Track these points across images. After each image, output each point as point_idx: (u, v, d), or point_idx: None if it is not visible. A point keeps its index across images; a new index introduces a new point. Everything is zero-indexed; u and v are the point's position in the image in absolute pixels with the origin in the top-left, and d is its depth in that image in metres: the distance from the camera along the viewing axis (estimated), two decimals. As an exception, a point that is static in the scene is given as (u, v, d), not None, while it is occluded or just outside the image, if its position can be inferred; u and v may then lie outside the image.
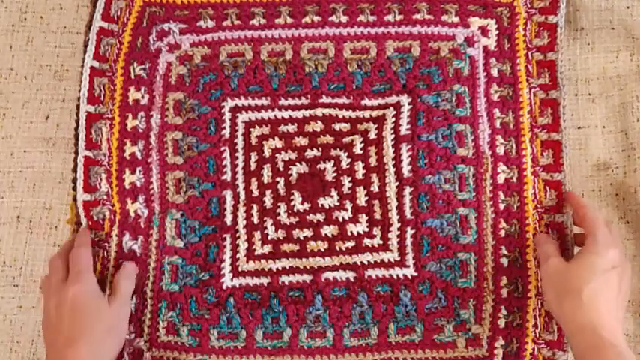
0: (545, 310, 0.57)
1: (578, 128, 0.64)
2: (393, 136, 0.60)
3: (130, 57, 0.62)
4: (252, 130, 0.62)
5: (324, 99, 0.61)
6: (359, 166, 0.61)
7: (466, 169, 0.60)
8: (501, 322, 0.58)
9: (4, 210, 0.64)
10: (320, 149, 0.61)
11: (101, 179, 0.61)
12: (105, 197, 0.60)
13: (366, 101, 0.61)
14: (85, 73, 0.62)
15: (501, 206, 0.59)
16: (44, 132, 0.66)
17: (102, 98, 0.62)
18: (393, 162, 0.60)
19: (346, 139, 0.61)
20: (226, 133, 0.61)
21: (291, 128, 0.61)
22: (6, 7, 0.69)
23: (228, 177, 0.61)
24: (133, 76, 0.62)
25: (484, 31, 0.62)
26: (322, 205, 0.60)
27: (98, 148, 0.61)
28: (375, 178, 0.60)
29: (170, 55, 0.62)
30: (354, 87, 0.61)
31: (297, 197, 0.61)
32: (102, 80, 0.62)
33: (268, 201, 0.61)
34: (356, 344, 0.58)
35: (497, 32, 0.62)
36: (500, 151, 0.60)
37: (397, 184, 0.60)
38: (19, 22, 0.68)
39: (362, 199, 0.60)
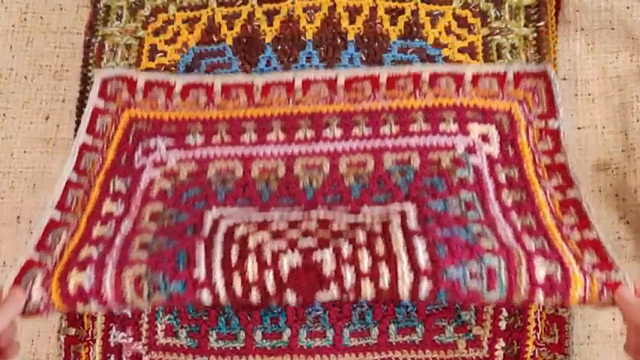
0: (546, 314, 0.57)
1: (578, 128, 0.64)
2: (401, 231, 0.50)
3: (112, 172, 0.58)
4: (236, 229, 0.52)
5: (319, 210, 0.55)
6: (363, 255, 0.48)
7: (495, 260, 0.48)
8: (502, 324, 0.57)
9: (4, 210, 0.64)
10: (316, 239, 0.50)
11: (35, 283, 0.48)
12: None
13: (365, 209, 0.55)
14: (59, 185, 0.56)
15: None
16: (44, 132, 0.66)
17: (72, 208, 0.56)
18: (405, 249, 0.48)
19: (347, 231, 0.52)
20: (205, 232, 0.52)
21: (282, 225, 0.52)
22: (6, 7, 0.69)
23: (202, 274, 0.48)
24: (111, 191, 0.57)
25: (485, 138, 0.58)
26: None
27: (49, 251, 0.52)
28: (384, 268, 0.47)
29: (155, 170, 0.58)
30: (352, 198, 0.56)
31: (289, 295, 0.48)
32: (77, 193, 0.57)
33: (255, 298, 0.48)
34: (356, 344, 0.58)
35: (498, 139, 0.58)
36: (532, 247, 0.50)
37: (412, 275, 0.47)
38: (19, 23, 0.68)
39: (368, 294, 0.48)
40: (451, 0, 0.65)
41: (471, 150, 0.57)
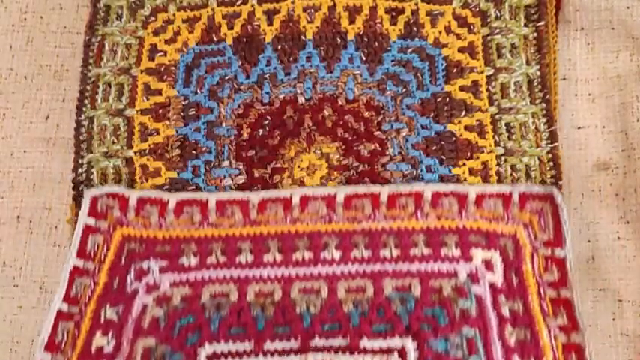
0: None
1: (578, 128, 0.64)
2: None
3: (104, 299, 0.56)
4: None
5: (317, 340, 0.54)
6: None
7: None
8: None
9: (4, 210, 0.64)
10: None
11: None
12: None
13: (365, 342, 0.54)
14: (50, 317, 0.56)
15: None
16: (44, 132, 0.66)
17: (62, 346, 0.55)
18: None
19: None
20: None
21: None
22: (6, 7, 0.69)
23: None
24: (102, 321, 0.55)
25: (488, 264, 0.57)
26: None
27: None
28: None
29: (147, 296, 0.56)
30: (351, 326, 0.55)
31: None
32: (67, 325, 0.56)
33: None
34: None
35: (502, 266, 0.56)
36: None
37: None
38: (19, 22, 0.68)
39: None
40: (451, 0, 0.65)
41: (473, 278, 0.56)
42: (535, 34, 0.63)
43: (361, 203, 0.58)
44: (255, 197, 0.59)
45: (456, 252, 0.56)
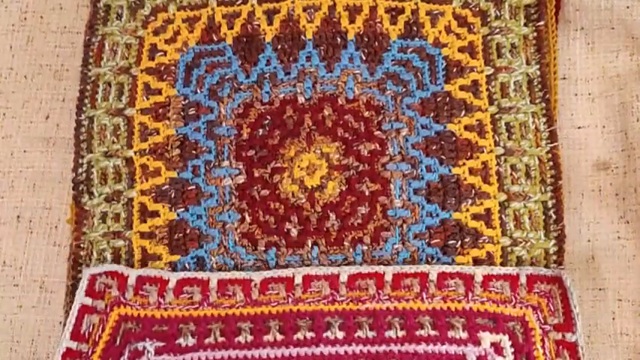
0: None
1: (578, 128, 0.64)
2: None
3: None
4: None
5: None
6: None
7: None
8: None
9: (4, 210, 0.64)
10: None
11: None
12: None
13: None
14: None
15: None
16: (44, 132, 0.66)
17: None
18: None
19: None
20: None
21: None
22: (6, 7, 0.69)
23: None
24: None
25: (497, 348, 0.55)
26: None
27: None
28: None
29: None
30: None
31: None
32: None
33: None
34: None
35: (512, 350, 0.55)
36: None
37: None
38: (19, 22, 0.68)
39: None
40: (451, 0, 0.64)
41: None
42: (535, 34, 0.63)
43: (365, 283, 0.57)
44: (257, 277, 0.58)
45: (464, 335, 0.55)
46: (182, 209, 0.60)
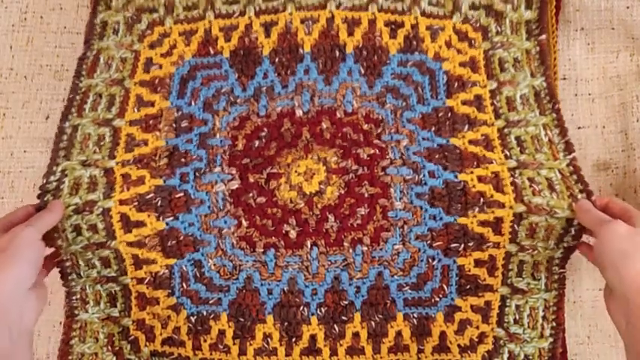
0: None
1: (578, 128, 0.64)
2: None
3: None
4: None
5: None
6: None
7: None
8: None
9: (4, 210, 0.64)
10: None
11: None
12: None
13: None
14: None
15: None
16: (44, 132, 0.66)
17: None
18: None
19: None
20: None
21: None
22: (6, 7, 0.69)
23: None
24: None
25: None
26: None
27: None
28: None
29: None
30: None
31: None
32: None
33: None
34: None
35: None
36: None
37: None
38: (19, 22, 0.68)
39: None
40: (451, 14, 0.63)
41: None
42: (537, 48, 0.62)
43: None
44: None
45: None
46: (171, 218, 0.58)
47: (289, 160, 0.60)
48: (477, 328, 0.57)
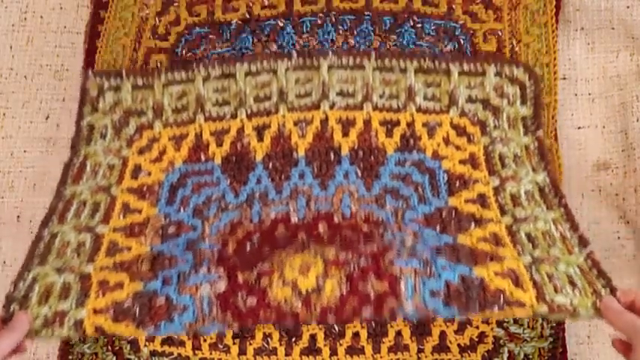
0: None
1: (578, 128, 0.64)
2: None
3: None
4: None
5: None
6: None
7: None
8: None
9: (4, 210, 0.64)
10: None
11: None
12: None
13: None
14: None
15: None
16: (44, 132, 0.66)
17: None
18: None
19: None
20: None
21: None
22: (6, 7, 0.69)
23: None
24: None
25: None
26: None
27: None
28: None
29: None
30: None
31: None
32: None
33: None
34: None
35: None
36: None
37: None
38: (19, 22, 0.68)
39: None
40: (448, 109, 0.61)
41: None
42: (536, 143, 0.60)
43: None
44: None
45: None
46: (152, 328, 0.50)
47: (282, 257, 0.53)
48: (477, 327, 0.57)
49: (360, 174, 0.59)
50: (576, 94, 0.65)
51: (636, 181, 0.61)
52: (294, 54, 0.62)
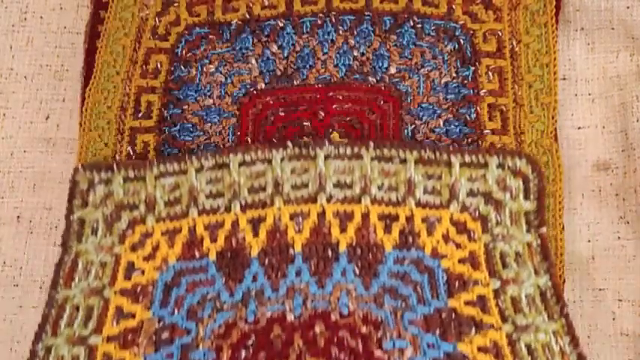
0: None
1: (578, 128, 0.64)
2: None
3: None
4: None
5: None
6: None
7: None
8: None
9: (4, 210, 0.64)
10: None
11: None
12: None
13: None
14: None
15: None
16: (44, 132, 0.66)
17: None
18: None
19: None
20: None
21: None
22: (6, 7, 0.69)
23: None
24: None
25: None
26: None
27: None
28: None
29: None
30: None
31: None
32: None
33: None
34: None
35: None
36: None
37: None
38: (19, 22, 0.68)
39: None
40: (448, 203, 0.59)
41: None
42: (539, 241, 0.58)
43: None
44: None
45: None
46: None
47: None
48: None
49: (358, 272, 0.57)
50: (576, 94, 0.65)
51: (636, 181, 0.61)
52: (290, 144, 0.60)
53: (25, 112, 0.66)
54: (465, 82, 0.64)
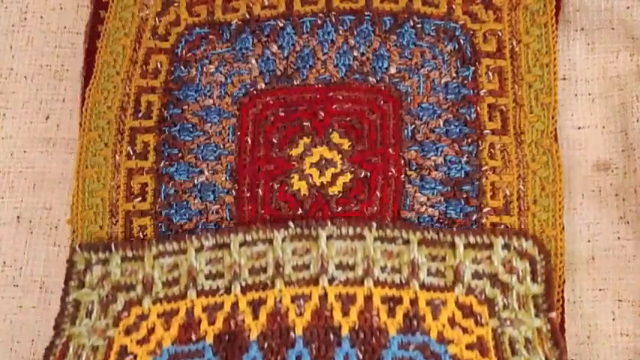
0: None
1: (578, 128, 0.64)
2: None
3: None
4: None
5: None
6: None
7: None
8: None
9: (4, 210, 0.64)
10: None
11: None
12: None
13: None
14: None
15: None
16: (44, 132, 0.66)
17: None
18: None
19: None
20: None
21: None
22: (6, 7, 0.69)
23: None
24: None
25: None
26: None
27: None
28: None
29: None
30: None
31: None
32: None
33: None
34: None
35: None
36: None
37: None
38: (19, 22, 0.68)
39: None
40: (453, 285, 0.57)
41: None
42: (548, 326, 0.56)
43: None
44: None
45: None
46: None
47: None
48: None
49: (361, 357, 0.55)
50: (576, 95, 0.65)
51: (636, 181, 0.61)
52: (291, 224, 0.59)
53: (25, 112, 0.66)
54: (465, 82, 0.64)
